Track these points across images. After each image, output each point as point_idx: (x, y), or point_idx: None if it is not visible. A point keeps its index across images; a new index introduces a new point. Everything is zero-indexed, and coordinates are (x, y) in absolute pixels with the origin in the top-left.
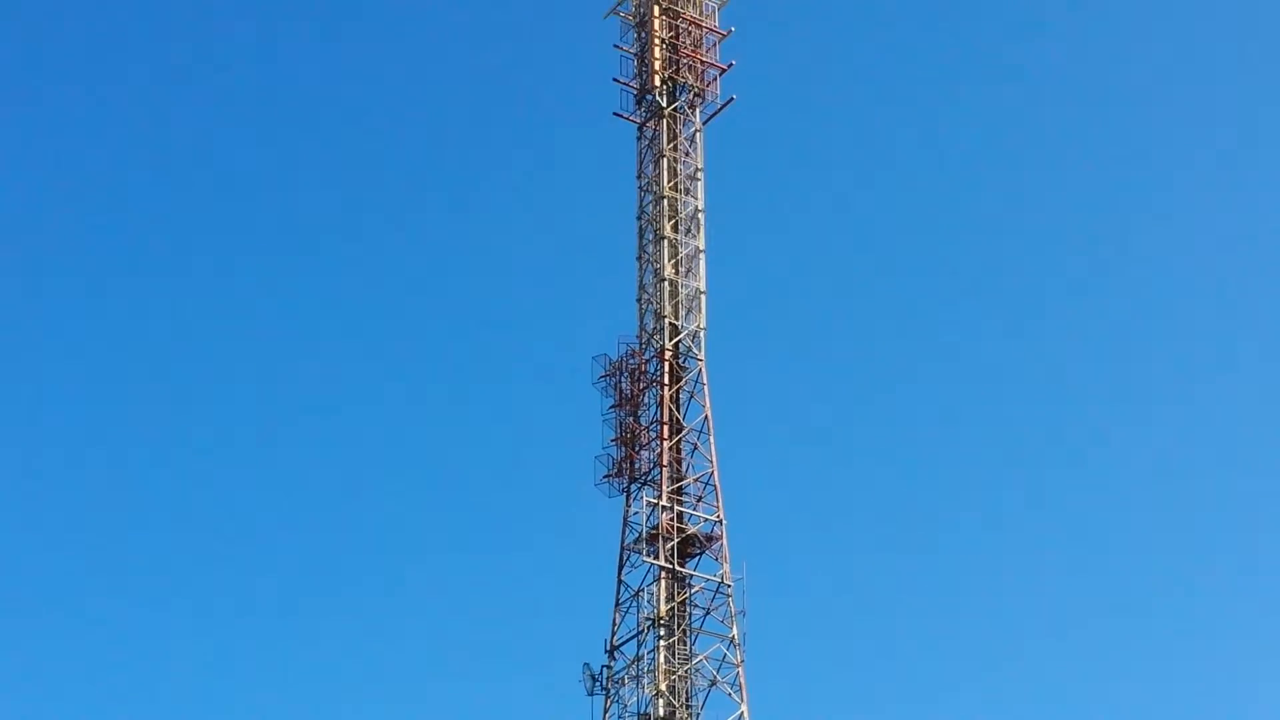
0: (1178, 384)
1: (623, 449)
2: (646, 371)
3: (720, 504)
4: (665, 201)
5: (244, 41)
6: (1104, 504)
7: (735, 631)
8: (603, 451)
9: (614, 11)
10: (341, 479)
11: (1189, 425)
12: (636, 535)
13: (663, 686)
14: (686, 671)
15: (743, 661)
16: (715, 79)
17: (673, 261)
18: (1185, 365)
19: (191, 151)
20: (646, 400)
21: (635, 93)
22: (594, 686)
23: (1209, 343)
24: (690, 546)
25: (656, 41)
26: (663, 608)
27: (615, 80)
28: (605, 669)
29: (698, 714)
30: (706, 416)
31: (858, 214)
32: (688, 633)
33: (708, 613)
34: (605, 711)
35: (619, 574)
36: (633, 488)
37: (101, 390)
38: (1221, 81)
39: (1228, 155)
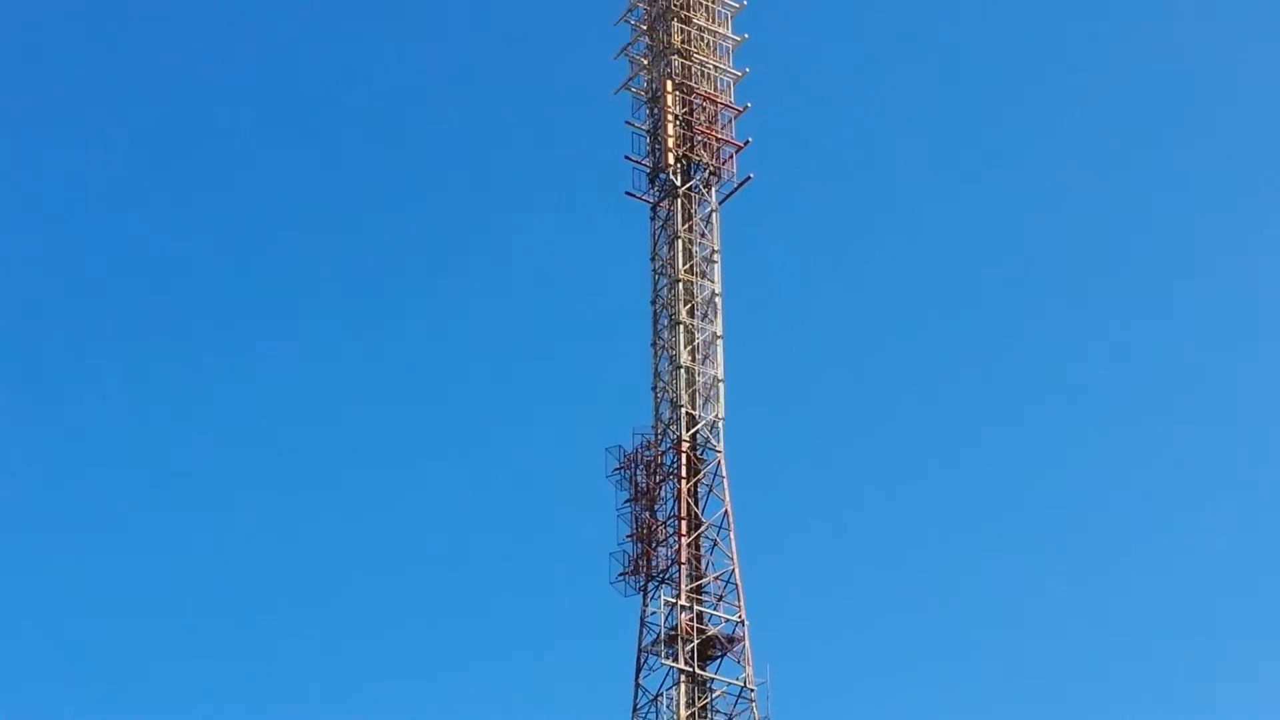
0: (1210, 392)
1: (639, 545)
2: (663, 464)
3: (742, 603)
4: (681, 285)
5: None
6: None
7: None
8: (618, 548)
9: (625, 87)
10: (350, 579)
11: (1212, 437)
12: (654, 636)
13: None
14: None
15: None
16: (731, 156)
17: (689, 348)
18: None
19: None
20: (663, 494)
21: (648, 171)
22: None
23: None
24: (711, 648)
25: (670, 118)
26: (683, 713)
27: (627, 158)
28: None
29: None
30: (726, 511)
31: (882, 298)
32: None
33: (730, 719)
34: None
35: (636, 677)
36: (650, 586)
37: (99, 389)
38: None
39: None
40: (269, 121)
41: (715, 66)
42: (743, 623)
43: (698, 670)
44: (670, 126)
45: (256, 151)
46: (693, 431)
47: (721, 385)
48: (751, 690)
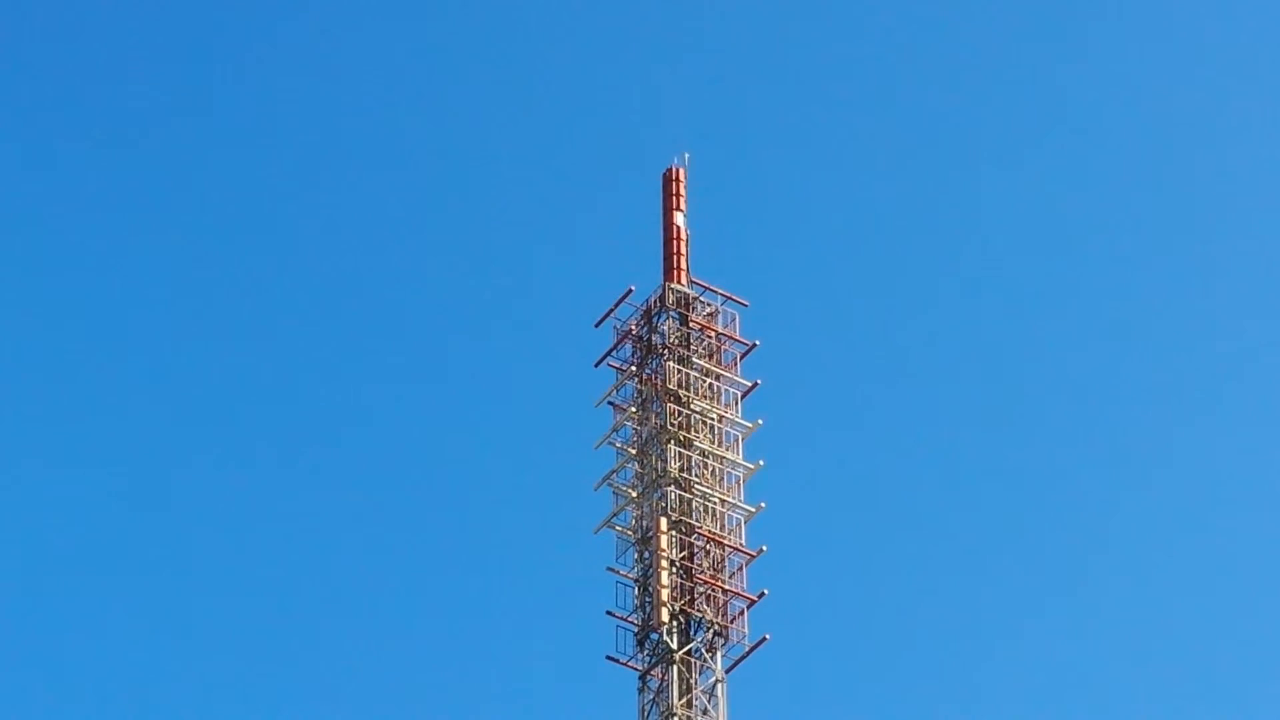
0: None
1: None
2: None
3: None
4: None
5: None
6: None
7: None
8: None
9: (607, 524)
10: None
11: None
12: None
13: None
14: None
15: None
16: (742, 612)
17: None
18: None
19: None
20: None
21: (635, 630)
22: None
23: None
24: None
25: (664, 564)
26: None
27: (609, 613)
28: None
29: None
30: None
31: None
32: None
33: None
34: None
35: None
36: None
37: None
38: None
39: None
40: None
41: (722, 500)
42: None
43: None
44: (665, 575)
45: None
46: None
47: None
48: None
